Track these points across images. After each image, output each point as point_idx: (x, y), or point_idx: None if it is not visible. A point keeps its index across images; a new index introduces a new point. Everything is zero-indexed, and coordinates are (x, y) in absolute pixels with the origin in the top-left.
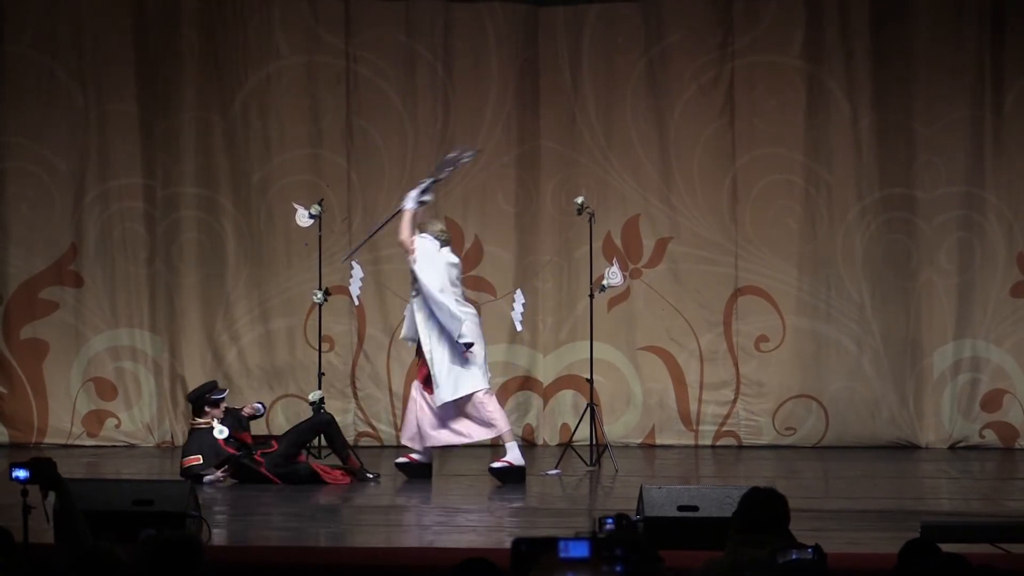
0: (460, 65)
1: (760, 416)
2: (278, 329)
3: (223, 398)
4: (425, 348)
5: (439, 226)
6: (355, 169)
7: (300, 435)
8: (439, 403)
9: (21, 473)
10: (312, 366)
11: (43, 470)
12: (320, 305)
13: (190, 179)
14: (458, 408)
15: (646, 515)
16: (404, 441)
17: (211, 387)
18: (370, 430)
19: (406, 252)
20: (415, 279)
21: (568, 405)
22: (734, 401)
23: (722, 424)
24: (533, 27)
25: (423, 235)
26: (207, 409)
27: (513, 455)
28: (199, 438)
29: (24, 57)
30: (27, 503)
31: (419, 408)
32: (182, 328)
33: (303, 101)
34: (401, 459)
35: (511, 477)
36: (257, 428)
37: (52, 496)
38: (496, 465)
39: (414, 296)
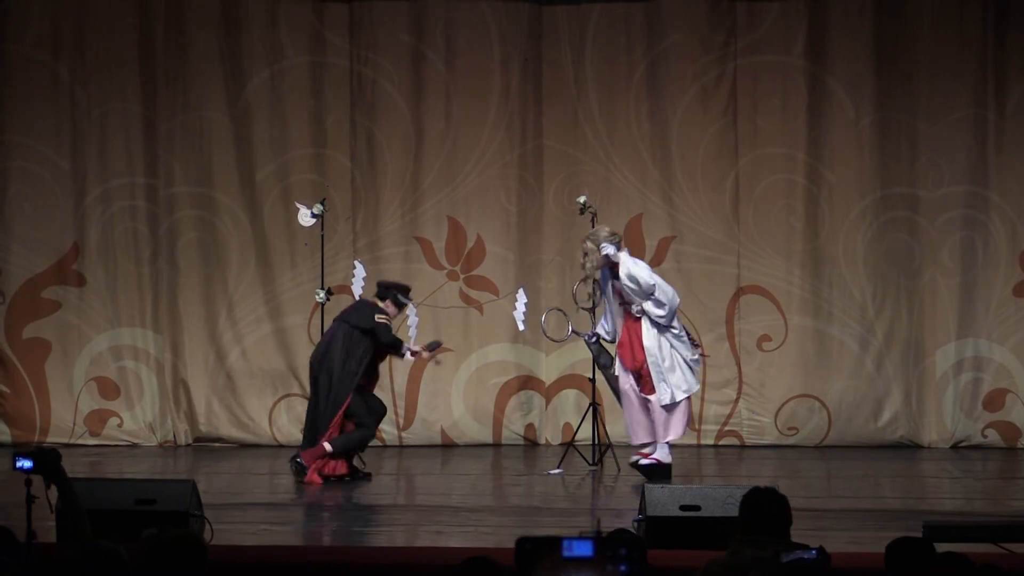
0: (463, 64)
1: (762, 416)
2: (281, 329)
3: (407, 303)
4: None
5: (605, 231)
6: (358, 168)
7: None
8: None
9: (25, 463)
10: None
11: (47, 460)
12: (323, 305)
13: (193, 178)
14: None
15: (648, 514)
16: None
17: (406, 288)
18: None
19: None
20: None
21: (570, 404)
22: (736, 401)
23: (724, 424)
24: (536, 26)
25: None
26: (387, 301)
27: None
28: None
29: (27, 56)
30: (31, 493)
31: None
32: (185, 328)
33: (307, 101)
34: (643, 460)
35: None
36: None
37: (55, 488)
38: (645, 462)
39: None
